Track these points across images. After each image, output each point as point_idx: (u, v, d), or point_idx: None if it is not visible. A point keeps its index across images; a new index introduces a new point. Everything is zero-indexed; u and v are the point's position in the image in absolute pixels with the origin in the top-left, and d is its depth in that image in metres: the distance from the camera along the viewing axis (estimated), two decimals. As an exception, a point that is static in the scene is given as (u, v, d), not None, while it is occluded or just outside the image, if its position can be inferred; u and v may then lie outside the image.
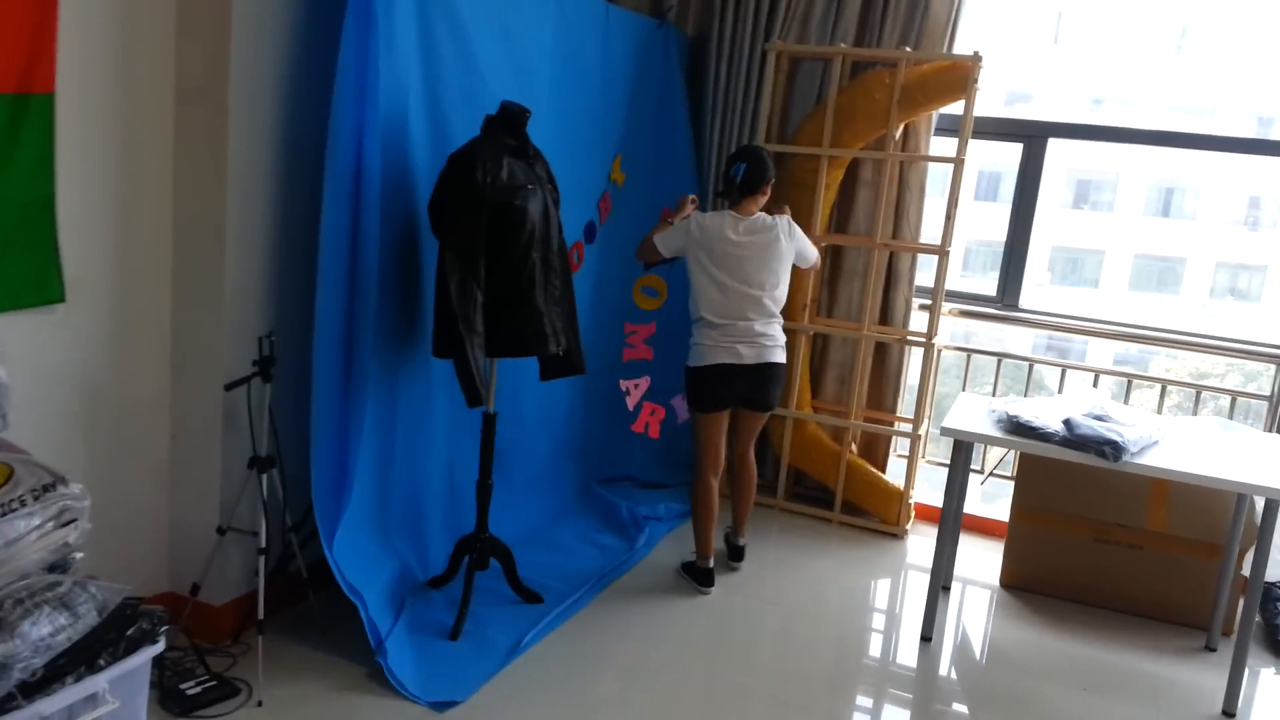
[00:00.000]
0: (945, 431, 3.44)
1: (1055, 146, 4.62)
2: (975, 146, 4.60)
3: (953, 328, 4.87)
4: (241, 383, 2.89)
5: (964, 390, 4.68)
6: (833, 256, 4.79)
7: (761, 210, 3.78)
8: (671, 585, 3.88)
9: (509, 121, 3.16)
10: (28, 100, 2.46)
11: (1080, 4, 12.67)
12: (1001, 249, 4.77)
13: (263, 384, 2.91)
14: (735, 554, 4.13)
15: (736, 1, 4.67)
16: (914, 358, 4.74)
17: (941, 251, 4.35)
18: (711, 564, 3.88)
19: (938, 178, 4.66)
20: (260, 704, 2.85)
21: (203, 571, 2.98)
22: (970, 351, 4.82)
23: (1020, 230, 4.68)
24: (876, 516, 4.64)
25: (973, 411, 3.64)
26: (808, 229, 4.49)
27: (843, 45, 4.45)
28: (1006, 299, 4.73)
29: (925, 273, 4.65)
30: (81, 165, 2.67)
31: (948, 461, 3.71)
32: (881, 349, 4.73)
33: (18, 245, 2.52)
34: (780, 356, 3.79)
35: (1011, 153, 4.69)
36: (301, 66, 2.99)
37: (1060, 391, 4.62)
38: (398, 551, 3.45)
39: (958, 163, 4.31)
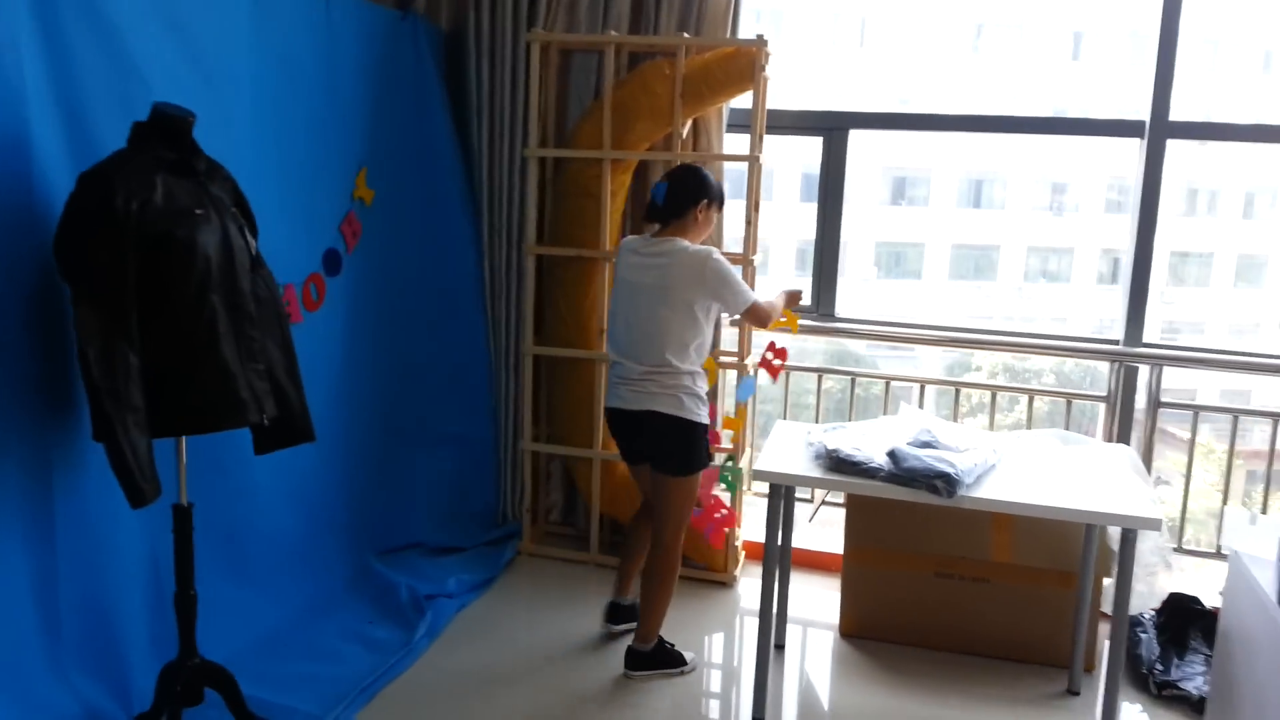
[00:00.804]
0: (760, 475, 2.90)
1: (863, 140, 4.20)
2: (774, 143, 4.14)
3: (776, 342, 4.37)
4: None
5: (784, 415, 4.20)
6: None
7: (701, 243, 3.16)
8: (459, 689, 3.18)
9: (165, 129, 2.43)
10: None
11: (883, 7, 12.84)
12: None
13: None
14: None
15: (493, -12, 4.06)
16: (729, 381, 4.21)
17: (745, 261, 3.83)
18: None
19: (741, 179, 4.16)
20: None
21: None
22: (790, 369, 4.33)
23: (828, 231, 4.23)
24: (703, 564, 4.08)
25: (790, 443, 3.12)
26: (593, 241, 3.92)
27: (613, 33, 3.89)
28: (822, 307, 4.27)
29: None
30: None
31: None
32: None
33: None
34: (662, 405, 3.09)
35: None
36: None
37: (885, 405, 4.19)
38: (76, 689, 2.64)
39: (752, 160, 3.81)
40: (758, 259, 3.92)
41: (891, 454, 2.83)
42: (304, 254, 3.52)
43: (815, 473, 2.87)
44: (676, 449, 3.15)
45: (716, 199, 3.24)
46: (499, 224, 4.19)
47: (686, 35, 3.81)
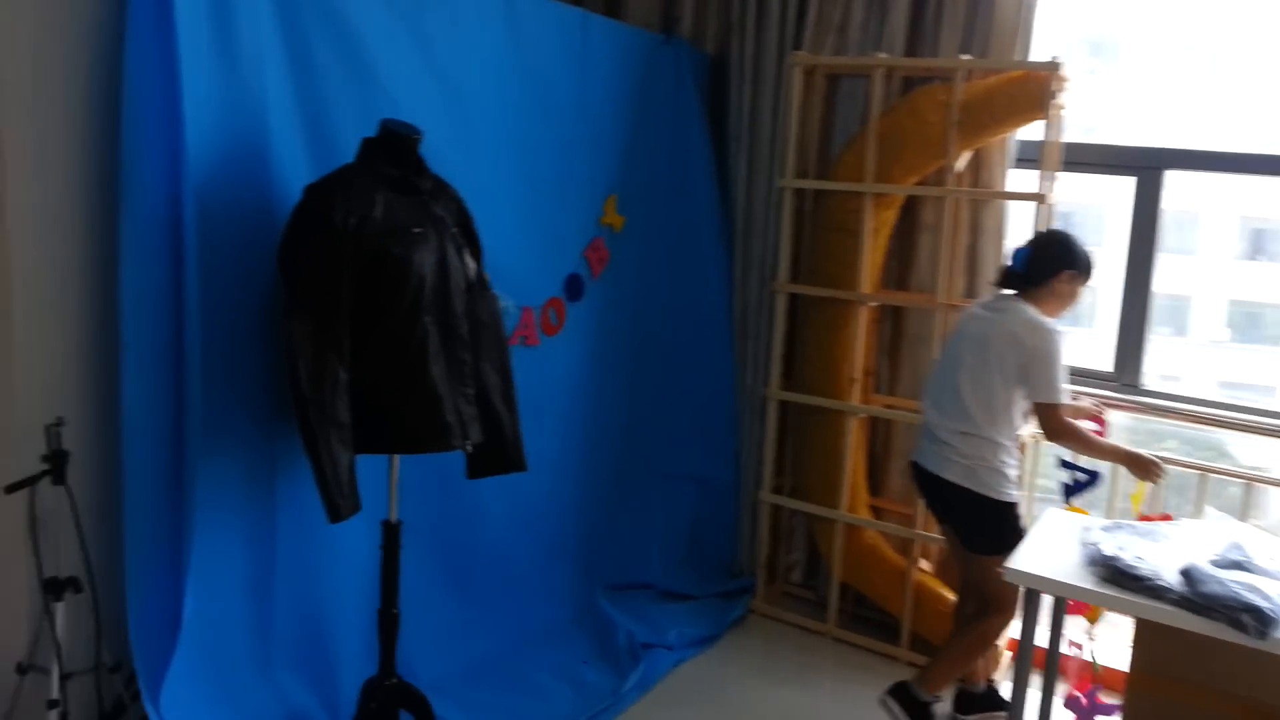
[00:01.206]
0: (1014, 576, 2.44)
1: (1210, 184, 3.58)
2: (1078, 182, 3.63)
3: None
4: (25, 484, 2.22)
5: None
6: (893, 319, 3.84)
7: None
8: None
9: (391, 145, 2.44)
10: None
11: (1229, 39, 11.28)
12: (1174, 301, 3.70)
13: (53, 485, 2.22)
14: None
15: (759, 11, 3.87)
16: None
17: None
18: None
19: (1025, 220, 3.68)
20: None
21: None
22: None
23: (1137, 287, 3.62)
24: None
25: (1061, 537, 2.63)
26: (848, 281, 3.60)
27: (883, 55, 3.57)
28: (1124, 376, 3.66)
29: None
30: None
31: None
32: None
33: None
34: (956, 475, 2.89)
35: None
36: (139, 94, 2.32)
37: (1201, 501, 3.45)
38: (281, 690, 2.70)
39: (1038, 199, 3.33)
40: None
41: (1186, 573, 2.27)
42: (545, 278, 3.49)
43: (1085, 581, 2.36)
44: (976, 525, 2.96)
45: (1082, 270, 2.90)
46: (754, 258, 3.98)
47: (967, 57, 3.42)
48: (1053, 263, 2.88)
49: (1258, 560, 2.35)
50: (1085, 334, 3.90)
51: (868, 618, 3.85)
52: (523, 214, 3.35)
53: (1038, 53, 3.50)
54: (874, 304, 3.65)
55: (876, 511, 3.83)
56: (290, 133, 2.56)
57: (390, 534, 2.62)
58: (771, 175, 3.88)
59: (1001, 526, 2.90)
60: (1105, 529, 2.63)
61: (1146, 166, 3.56)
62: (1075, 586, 2.36)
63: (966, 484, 2.88)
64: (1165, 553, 2.41)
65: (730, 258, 4.04)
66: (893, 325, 3.84)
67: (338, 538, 2.75)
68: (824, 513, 3.73)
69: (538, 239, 3.43)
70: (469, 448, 2.53)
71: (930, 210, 3.66)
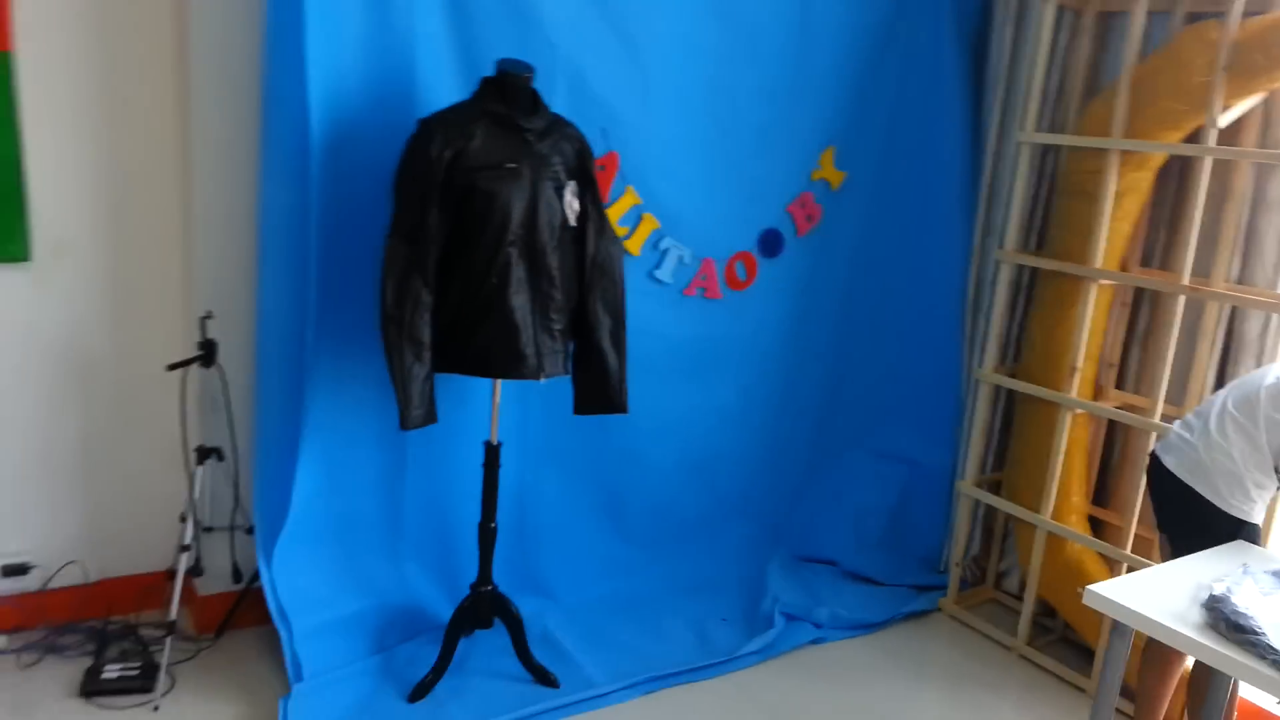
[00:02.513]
0: (1093, 601, 2.02)
1: None
2: None
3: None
4: (182, 365, 2.71)
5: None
6: (1134, 302, 3.23)
7: None
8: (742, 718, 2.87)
9: (502, 84, 2.55)
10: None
11: None
12: None
13: (201, 368, 2.70)
14: None
15: (1034, -60, 3.39)
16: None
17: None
18: None
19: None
20: (155, 709, 2.64)
21: (178, 560, 2.82)
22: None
23: None
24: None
25: (1205, 572, 2.12)
26: (1079, 253, 3.11)
27: (1149, -15, 2.96)
28: None
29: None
30: (53, 127, 2.69)
31: None
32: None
33: (-23, 204, 2.61)
34: (1170, 459, 2.54)
35: None
36: (280, 26, 2.67)
37: None
38: (408, 580, 3.02)
39: (1320, 159, 2.60)
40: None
41: (1293, 623, 1.75)
42: (734, 231, 3.41)
43: (1184, 623, 1.89)
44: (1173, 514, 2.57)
45: None
46: (995, 224, 3.55)
47: (1248, -13, 2.74)
48: None
49: None
50: None
51: (1073, 641, 3.34)
52: (711, 163, 3.30)
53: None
54: (1107, 281, 3.09)
55: (1095, 525, 3.29)
56: (441, 72, 2.77)
57: (490, 454, 2.79)
58: (1013, 131, 3.41)
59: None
60: (1260, 568, 2.08)
61: None
62: (1162, 625, 1.89)
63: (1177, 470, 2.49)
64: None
65: (971, 223, 3.63)
66: (1150, 312, 3.23)
67: (466, 453, 2.98)
68: (1024, 515, 3.28)
69: (728, 190, 3.35)
70: (542, 379, 2.60)
71: (1204, 174, 2.99)
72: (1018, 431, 3.44)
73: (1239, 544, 2.33)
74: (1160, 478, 2.55)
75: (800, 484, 3.78)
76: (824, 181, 3.54)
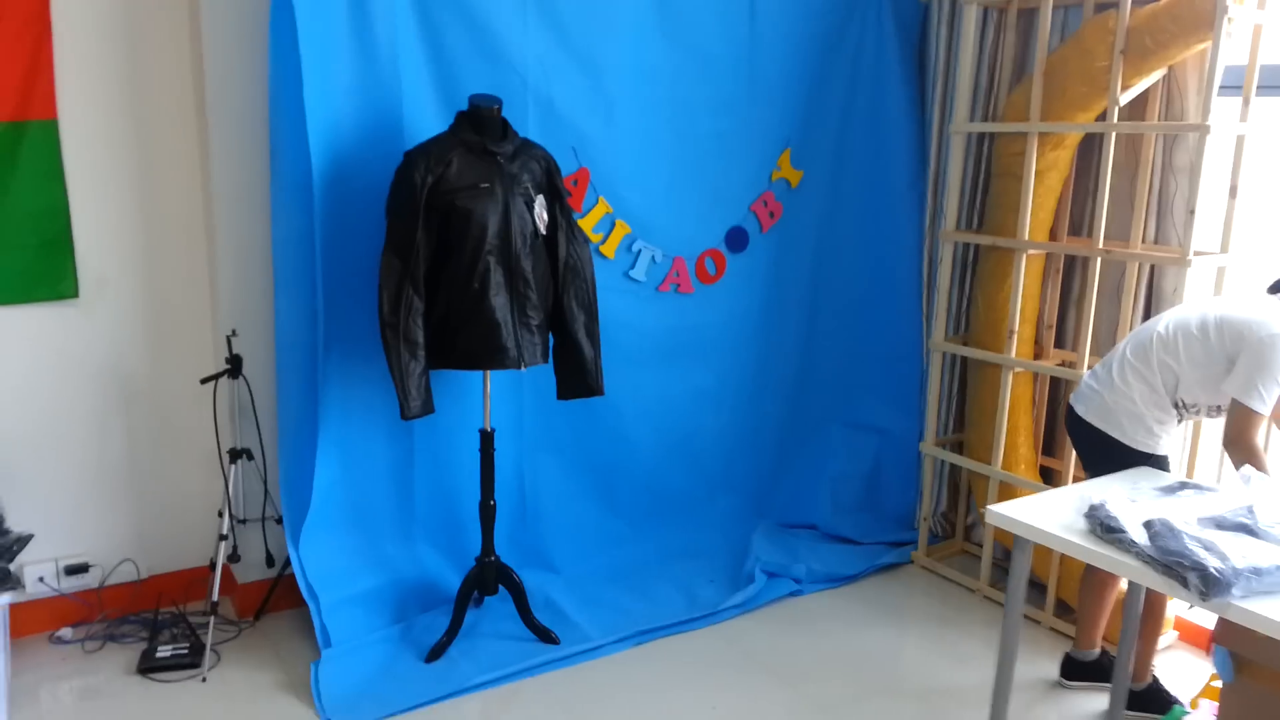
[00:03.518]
0: (994, 518, 2.34)
1: None
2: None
3: None
4: (213, 378, 3.10)
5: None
6: (1066, 268, 3.55)
7: None
8: (726, 662, 3.20)
9: (475, 115, 2.92)
10: (25, 127, 2.93)
11: None
12: None
13: (230, 380, 3.08)
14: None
15: (956, -53, 3.73)
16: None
17: (1183, 261, 2.96)
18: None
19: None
20: (204, 680, 3.01)
21: (217, 550, 3.19)
22: None
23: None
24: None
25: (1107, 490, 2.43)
26: (1009, 228, 3.43)
27: (1051, -18, 3.28)
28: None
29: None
30: (93, 180, 3.09)
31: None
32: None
33: (30, 249, 3.01)
34: (1081, 407, 2.85)
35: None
36: (280, 81, 3.05)
37: None
38: (420, 557, 3.38)
39: (1201, 130, 2.91)
40: (1226, 259, 3.01)
41: (1148, 525, 2.06)
42: (701, 231, 3.75)
43: (1073, 532, 2.22)
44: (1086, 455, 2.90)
45: None
46: (942, 207, 3.87)
47: (1136, -23, 3.06)
48: None
49: (1264, 525, 2.04)
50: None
51: (1032, 580, 3.63)
52: (675, 172, 3.64)
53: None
54: (1035, 251, 3.41)
55: (1048, 473, 3.60)
56: (424, 109, 3.15)
57: (485, 440, 3.15)
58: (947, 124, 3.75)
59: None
60: (1166, 486, 2.39)
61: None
62: (1051, 534, 2.20)
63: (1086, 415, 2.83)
64: (1165, 508, 2.17)
65: (922, 207, 3.96)
66: (1081, 276, 3.54)
67: (467, 441, 3.34)
68: (977, 468, 3.60)
69: (693, 195, 3.70)
70: (523, 367, 2.96)
71: (1118, 149, 3.31)
72: (971, 394, 3.76)
73: (1140, 469, 2.64)
74: (1076, 425, 2.86)
75: (779, 457, 4.11)
76: (784, 180, 3.89)
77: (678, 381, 3.81)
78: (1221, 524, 2.08)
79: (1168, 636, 3.32)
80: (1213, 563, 1.90)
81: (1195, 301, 2.75)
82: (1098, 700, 3.01)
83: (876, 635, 3.38)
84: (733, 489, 4.02)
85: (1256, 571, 1.89)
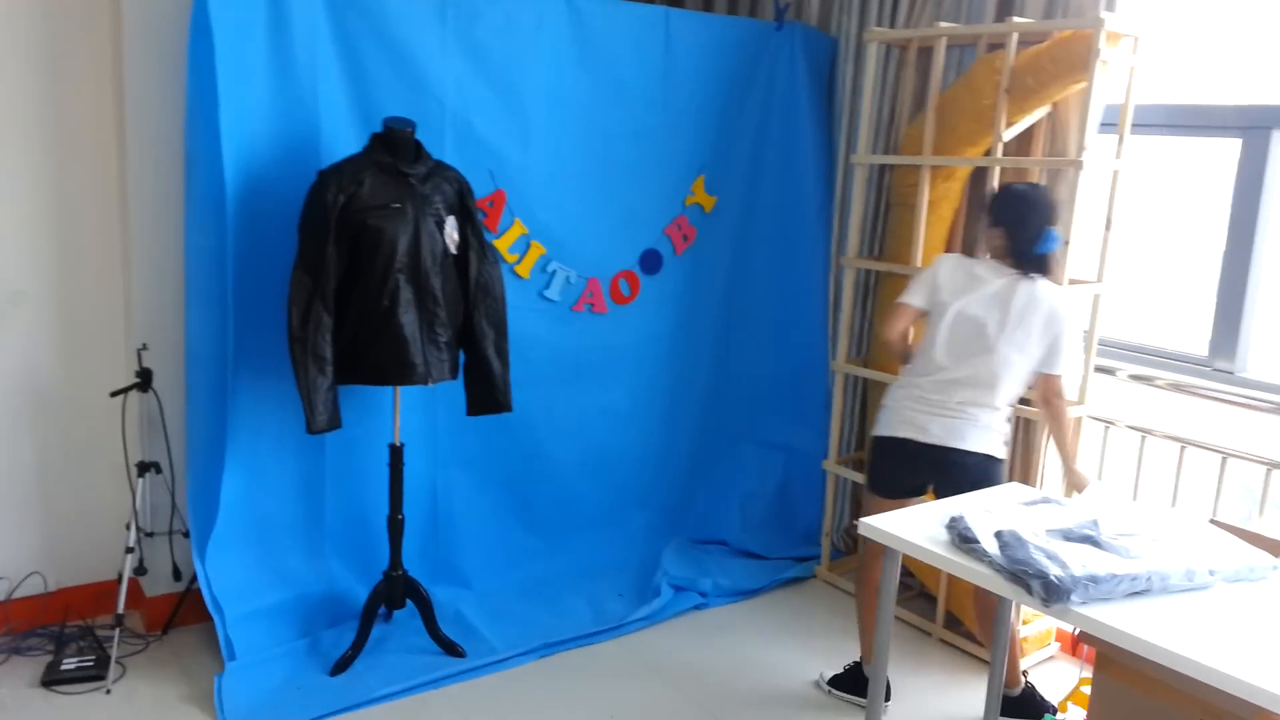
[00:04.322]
0: (866, 530, 2.46)
1: None
2: (1167, 145, 3.30)
3: (1158, 400, 3.47)
4: (123, 391, 3.14)
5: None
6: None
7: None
8: (631, 671, 3.29)
9: (388, 138, 3.01)
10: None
11: None
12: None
13: (140, 394, 3.12)
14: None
15: (860, -12, 3.91)
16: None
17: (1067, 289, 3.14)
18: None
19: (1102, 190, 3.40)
20: (108, 692, 3.03)
21: (124, 563, 3.21)
22: (1144, 432, 3.36)
23: (1236, 262, 3.20)
24: (980, 638, 3.46)
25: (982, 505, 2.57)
26: (904, 255, 3.59)
27: (943, 25, 3.46)
28: (1218, 360, 3.25)
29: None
30: (8, 195, 3.13)
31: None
32: (1022, 419, 3.53)
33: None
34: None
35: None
36: (197, 99, 3.11)
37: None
38: (330, 573, 3.42)
39: (1075, 166, 3.09)
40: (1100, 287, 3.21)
41: (998, 535, 2.20)
42: (616, 253, 3.87)
43: (935, 543, 2.34)
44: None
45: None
46: (846, 234, 4.04)
47: (1018, 19, 3.24)
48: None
49: (1106, 537, 2.19)
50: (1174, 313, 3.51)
51: (928, 595, 3.80)
52: (590, 195, 3.76)
53: (1129, 11, 3.22)
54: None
55: (940, 492, 3.75)
56: (342, 131, 3.23)
57: (394, 454, 3.21)
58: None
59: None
60: (1029, 501, 2.54)
61: (1254, 127, 3.13)
62: (915, 544, 2.32)
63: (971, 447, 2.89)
64: (1016, 519, 2.32)
65: (829, 234, 4.12)
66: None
67: (378, 456, 3.38)
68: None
69: (608, 218, 3.81)
70: (430, 383, 3.04)
71: (1003, 181, 3.49)
72: (870, 414, 3.90)
73: (1009, 485, 2.79)
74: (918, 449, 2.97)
75: (692, 474, 4.23)
76: (697, 205, 4.02)
77: (592, 400, 3.91)
78: (1068, 535, 2.23)
79: (1049, 648, 3.48)
80: (1054, 571, 2.04)
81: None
82: (974, 706, 3.15)
83: (776, 647, 3.49)
84: (646, 505, 4.12)
85: (1094, 579, 2.04)
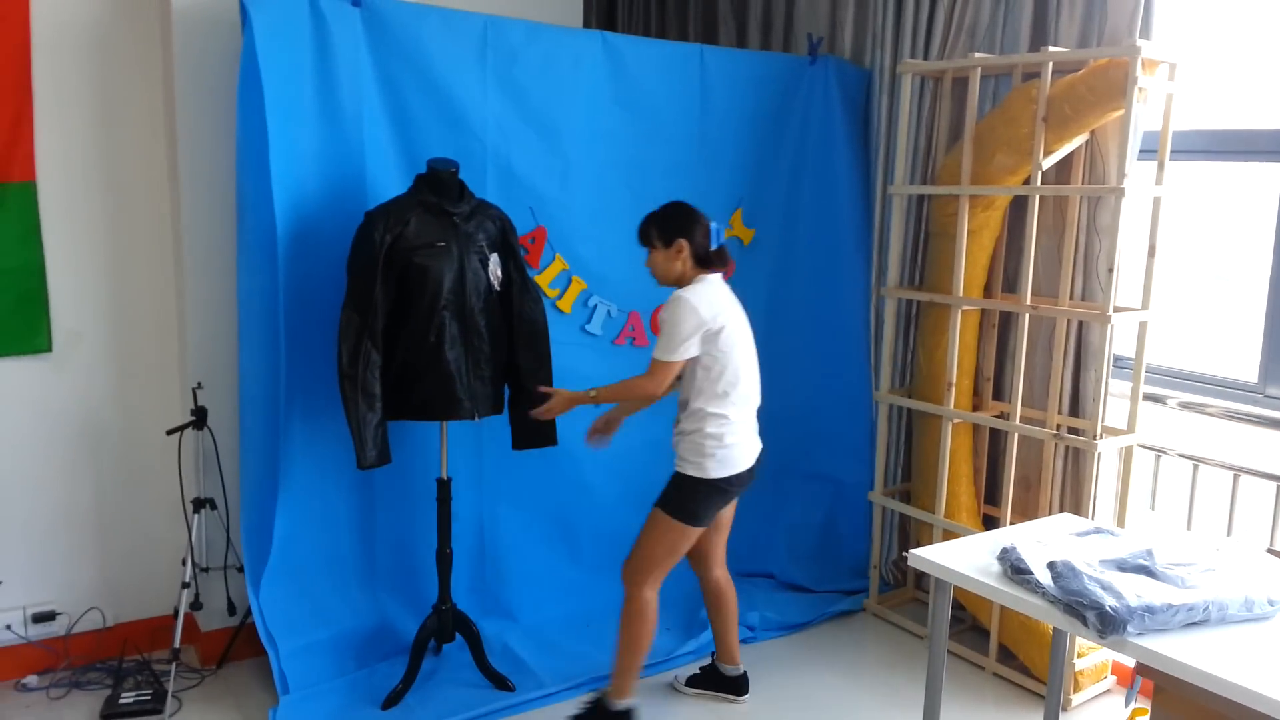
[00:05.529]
0: (917, 561, 2.46)
1: None
2: (1209, 170, 3.29)
3: (1208, 428, 3.43)
4: (179, 430, 3.21)
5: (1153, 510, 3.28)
6: (1002, 323, 3.71)
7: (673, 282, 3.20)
8: (683, 708, 3.29)
9: (432, 178, 3.08)
10: (5, 188, 3.07)
11: None
12: None
13: (195, 431, 3.19)
14: (740, 686, 3.40)
15: (896, 21, 3.94)
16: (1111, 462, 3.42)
17: (1104, 318, 3.12)
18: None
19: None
20: (164, 726, 3.09)
21: (180, 597, 3.27)
22: (1197, 461, 3.33)
23: (1285, 284, 3.17)
24: (1034, 671, 3.41)
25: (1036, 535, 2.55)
26: (945, 285, 3.59)
27: (977, 55, 3.49)
28: (1270, 388, 3.21)
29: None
30: (68, 239, 3.24)
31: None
32: (1072, 448, 3.50)
33: (6, 304, 3.15)
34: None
35: None
36: (248, 144, 3.20)
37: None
38: (380, 607, 3.46)
39: (1117, 194, 3.09)
40: (1147, 314, 3.19)
41: (1051, 566, 2.19)
42: (656, 286, 3.87)
43: (987, 574, 2.34)
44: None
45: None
46: (885, 264, 4.04)
47: (1053, 49, 3.26)
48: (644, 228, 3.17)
49: (1161, 567, 2.17)
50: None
51: (980, 628, 3.75)
52: (630, 230, 3.74)
53: (1165, 38, 3.23)
54: (969, 306, 3.57)
55: (991, 521, 3.72)
56: (387, 172, 3.31)
57: (442, 489, 3.25)
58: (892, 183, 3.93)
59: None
60: (1082, 532, 2.52)
61: (1299, 152, 3.12)
62: (968, 576, 2.32)
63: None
64: (1071, 549, 2.30)
65: (869, 265, 4.13)
66: (1015, 330, 3.69)
67: (426, 491, 3.42)
68: (922, 516, 3.72)
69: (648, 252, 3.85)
70: (476, 418, 3.08)
71: (1046, 210, 3.49)
72: (915, 444, 3.90)
73: (1060, 516, 2.77)
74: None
75: (737, 507, 4.21)
76: (736, 239, 4.05)
77: (636, 432, 3.92)
78: (1123, 565, 2.21)
79: (1105, 681, 3.42)
80: (1109, 601, 2.03)
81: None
82: (1034, 741, 3.10)
83: (825, 682, 3.46)
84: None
85: (1150, 610, 2.02)
